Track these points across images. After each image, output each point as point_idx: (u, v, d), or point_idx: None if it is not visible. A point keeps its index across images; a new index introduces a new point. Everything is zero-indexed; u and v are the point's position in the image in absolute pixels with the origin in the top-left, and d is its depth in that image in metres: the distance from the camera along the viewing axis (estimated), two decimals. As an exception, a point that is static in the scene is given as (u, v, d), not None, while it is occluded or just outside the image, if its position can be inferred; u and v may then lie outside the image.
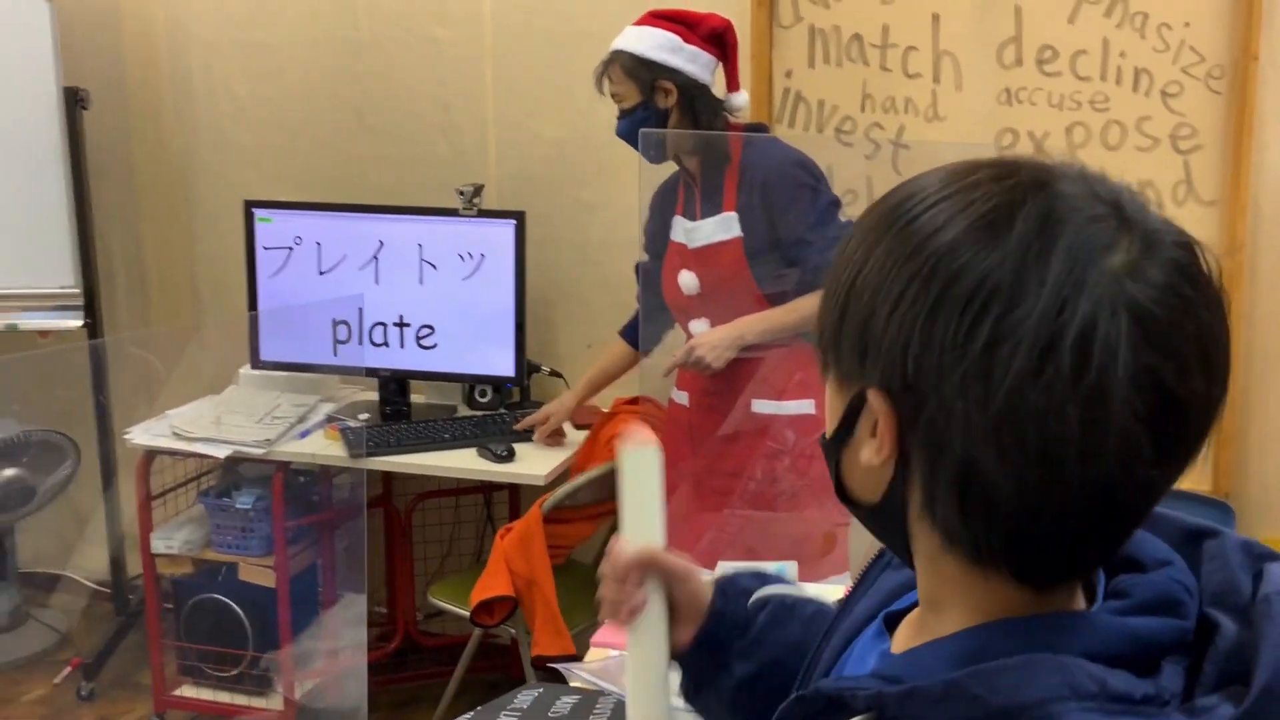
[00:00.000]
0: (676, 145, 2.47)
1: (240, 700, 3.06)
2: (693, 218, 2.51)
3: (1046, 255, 0.65)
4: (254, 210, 3.08)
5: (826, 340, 0.74)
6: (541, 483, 2.76)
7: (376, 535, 3.34)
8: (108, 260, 3.53)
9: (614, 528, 1.10)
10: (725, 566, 1.38)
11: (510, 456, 2.81)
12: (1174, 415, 0.66)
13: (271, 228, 3.08)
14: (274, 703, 3.03)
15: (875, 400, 0.70)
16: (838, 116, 2.94)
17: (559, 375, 3.16)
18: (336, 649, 3.07)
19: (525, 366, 3.03)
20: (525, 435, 2.91)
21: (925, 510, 0.72)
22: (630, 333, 2.76)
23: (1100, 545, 0.71)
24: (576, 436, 2.93)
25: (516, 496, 3.19)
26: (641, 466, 1.07)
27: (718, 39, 2.44)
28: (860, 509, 0.78)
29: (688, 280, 2.52)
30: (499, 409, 3.12)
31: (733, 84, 2.51)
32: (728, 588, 1.11)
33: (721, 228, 2.45)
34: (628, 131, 2.45)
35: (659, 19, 2.42)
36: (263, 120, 3.36)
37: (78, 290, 3.34)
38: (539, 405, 3.13)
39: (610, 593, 1.07)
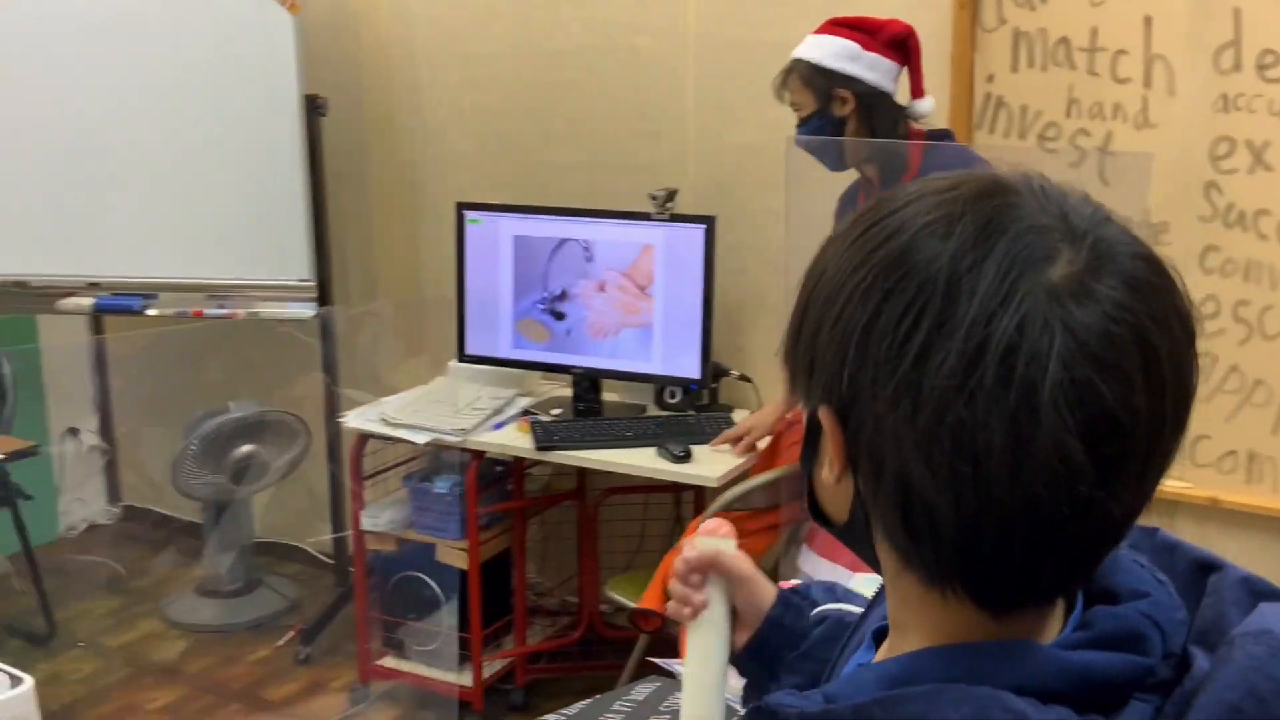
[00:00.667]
0: (855, 153, 2.46)
1: (435, 674, 3.24)
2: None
3: (980, 265, 0.64)
4: (464, 211, 3.25)
5: (785, 353, 0.74)
6: (714, 484, 2.79)
7: (569, 527, 3.46)
8: (341, 256, 3.80)
9: (791, 539, 1.13)
10: (813, 569, 1.38)
11: (686, 458, 2.85)
12: (1115, 434, 0.63)
13: (480, 229, 3.24)
14: (465, 679, 3.19)
15: (824, 416, 0.70)
16: (1041, 123, 2.84)
17: (748, 380, 3.19)
18: (530, 628, 3.19)
19: (711, 369, 3.07)
20: (705, 437, 2.94)
21: (880, 530, 0.72)
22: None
23: (1057, 571, 0.68)
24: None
25: (701, 498, 3.23)
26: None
27: (899, 45, 2.41)
28: (833, 528, 0.78)
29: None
30: (687, 411, 3.17)
31: (917, 90, 2.47)
32: (792, 598, 1.11)
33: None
34: (804, 140, 2.45)
35: (839, 26, 2.41)
36: (479, 127, 3.54)
37: (313, 283, 3.61)
38: (727, 409, 3.16)
39: (676, 592, 1.10)
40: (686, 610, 1.08)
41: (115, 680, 3.46)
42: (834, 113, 2.41)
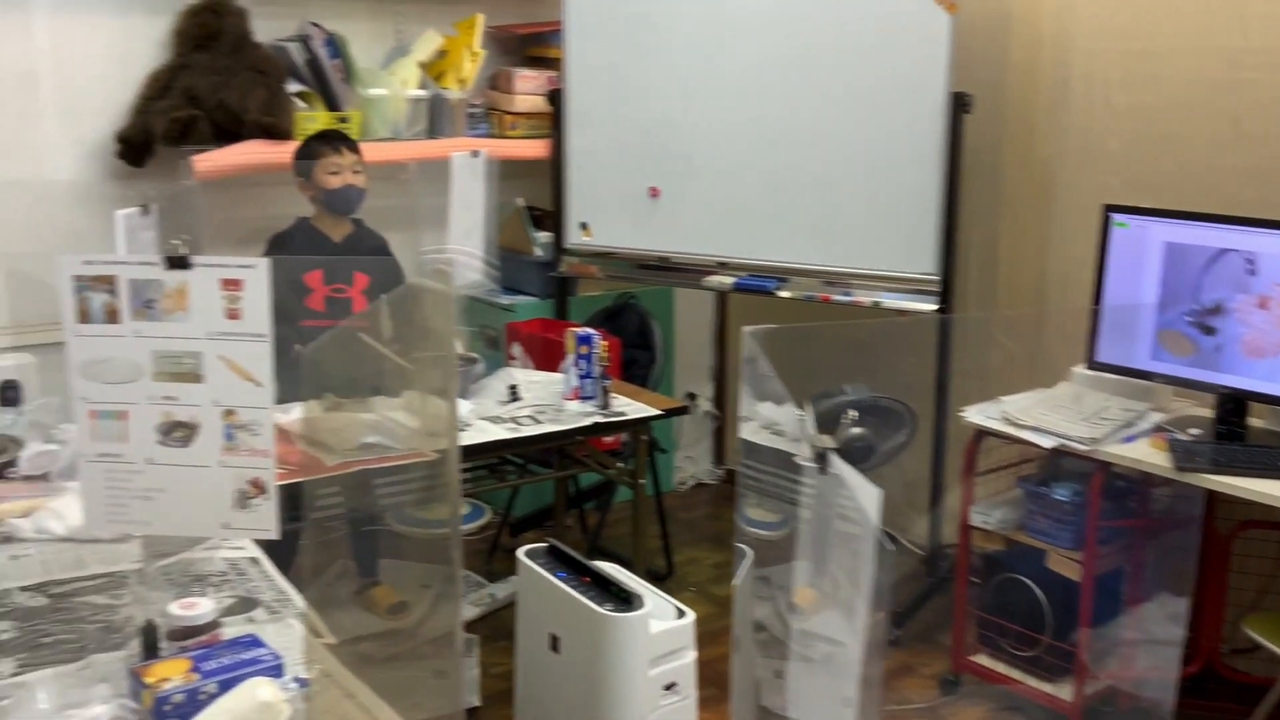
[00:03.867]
0: None
1: (1031, 681, 3.19)
2: None
3: None
4: (1112, 215, 3.15)
5: None
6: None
7: (1188, 554, 3.25)
8: (965, 253, 3.83)
9: None
10: None
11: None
12: None
13: (1127, 233, 3.12)
14: (1063, 692, 3.12)
15: None
16: None
17: None
18: (1138, 652, 3.06)
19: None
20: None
21: None
22: None
23: None
24: None
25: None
26: None
27: None
28: None
29: None
30: (1352, 448, 2.86)
31: None
32: None
33: None
34: None
35: None
36: (1134, 128, 3.41)
37: (936, 277, 3.68)
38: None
39: None
40: None
41: (723, 626, 3.77)
42: None
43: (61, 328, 3.10)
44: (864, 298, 3.81)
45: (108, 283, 1.58)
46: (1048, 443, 3.03)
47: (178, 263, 1.56)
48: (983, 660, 3.33)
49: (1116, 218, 3.15)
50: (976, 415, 3.26)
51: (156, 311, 1.59)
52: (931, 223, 3.65)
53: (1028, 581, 3.19)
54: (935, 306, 3.70)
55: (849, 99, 3.71)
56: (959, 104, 3.55)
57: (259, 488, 1.65)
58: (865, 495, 0.91)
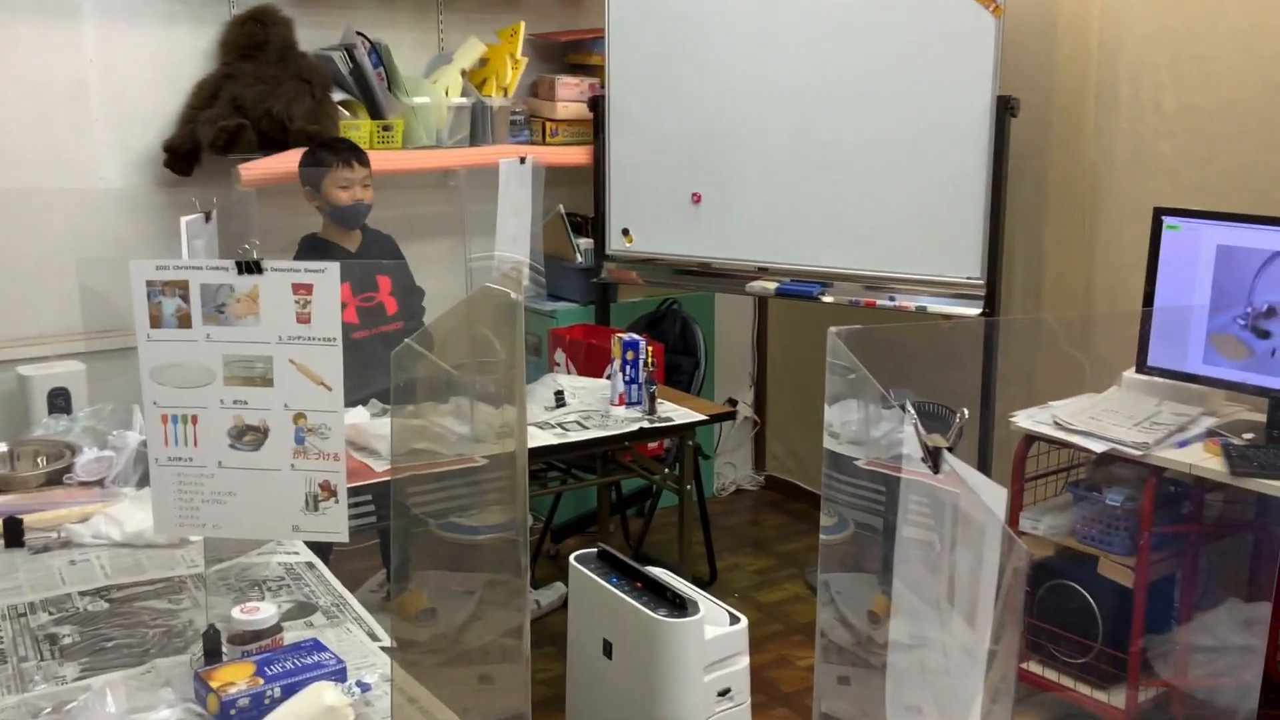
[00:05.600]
0: None
1: (1083, 689, 3.16)
2: None
3: None
4: (1163, 218, 3.12)
5: None
6: None
7: (1244, 559, 3.22)
8: (1010, 257, 3.81)
9: None
10: None
11: None
12: None
13: (1179, 236, 3.10)
14: (1115, 700, 3.09)
15: None
16: None
17: None
18: (1201, 660, 3.03)
19: None
20: None
21: None
22: None
23: None
24: None
25: None
26: None
27: None
28: None
29: None
30: None
31: None
32: None
33: None
34: None
35: None
36: (1185, 130, 3.39)
37: (981, 282, 3.66)
38: None
39: None
40: None
41: (768, 633, 3.76)
42: None
43: (110, 335, 3.13)
44: (908, 302, 3.80)
45: (180, 287, 1.59)
46: (1098, 447, 3.01)
47: (249, 267, 1.57)
48: (1033, 668, 3.30)
49: (1168, 220, 3.12)
50: (1026, 420, 3.23)
51: (228, 316, 1.60)
52: (977, 227, 3.63)
53: (1079, 588, 3.17)
54: (979, 311, 3.68)
55: (894, 103, 3.70)
56: (1005, 107, 3.53)
57: (329, 491, 1.65)
58: (990, 493, 0.90)
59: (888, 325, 3.79)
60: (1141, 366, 3.22)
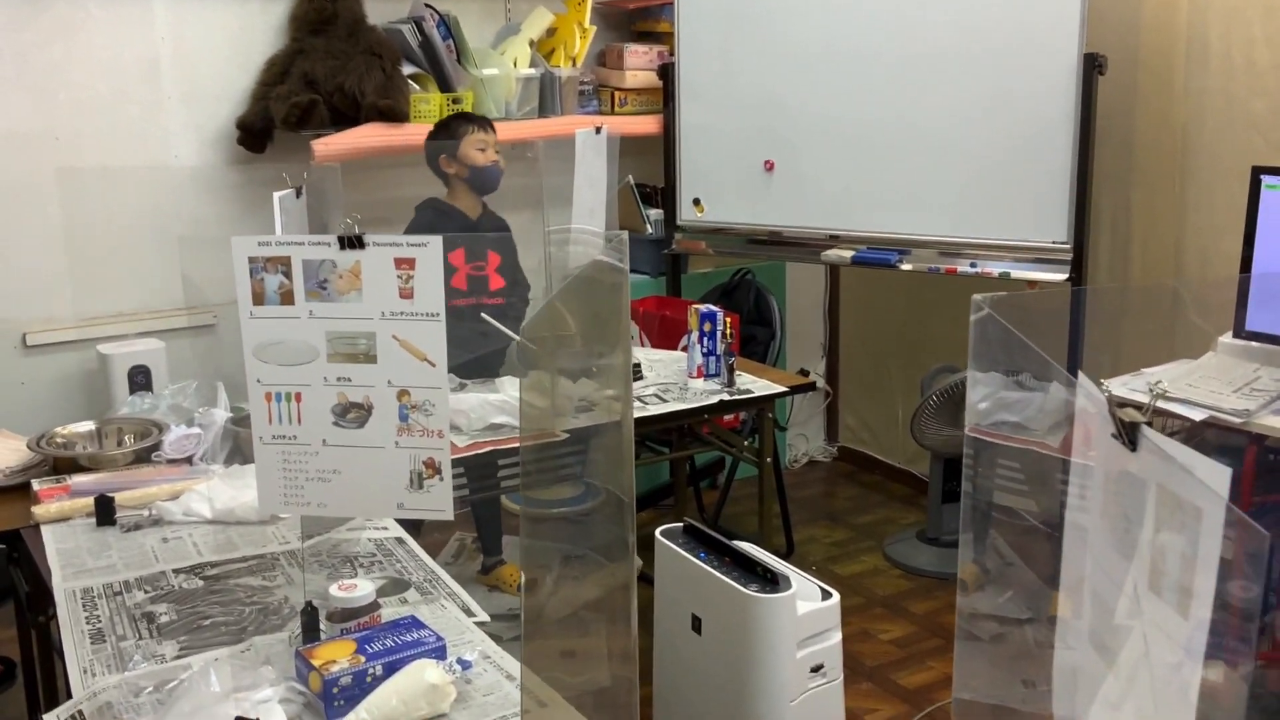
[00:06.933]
0: None
1: (1177, 661, 3.09)
2: None
3: None
4: (1262, 177, 3.01)
5: None
6: None
7: (1346, 530, 3.12)
8: (1096, 221, 3.71)
9: None
10: None
11: None
12: None
13: (1278, 195, 2.99)
14: (1212, 674, 3.01)
15: None
16: None
17: None
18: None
19: None
20: None
21: None
22: None
23: None
24: None
25: None
26: None
27: None
28: None
29: None
30: None
31: None
32: None
33: None
34: None
35: None
36: (1278, 87, 3.26)
37: (1068, 246, 3.57)
38: None
39: None
40: None
41: (848, 605, 3.70)
42: None
43: (190, 312, 3.12)
44: (991, 268, 3.71)
45: (282, 263, 1.56)
46: (1197, 415, 2.91)
47: (352, 242, 1.54)
48: (1126, 640, 3.23)
49: (1267, 180, 3.01)
50: (1120, 388, 3.14)
51: (330, 292, 1.57)
52: (1063, 190, 3.53)
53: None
54: (1066, 276, 3.59)
55: (974, 62, 3.60)
56: (1092, 65, 3.42)
57: (433, 468, 1.63)
58: (1208, 472, 0.85)
59: (1028, 294, 3.69)
60: (1239, 331, 3.12)
